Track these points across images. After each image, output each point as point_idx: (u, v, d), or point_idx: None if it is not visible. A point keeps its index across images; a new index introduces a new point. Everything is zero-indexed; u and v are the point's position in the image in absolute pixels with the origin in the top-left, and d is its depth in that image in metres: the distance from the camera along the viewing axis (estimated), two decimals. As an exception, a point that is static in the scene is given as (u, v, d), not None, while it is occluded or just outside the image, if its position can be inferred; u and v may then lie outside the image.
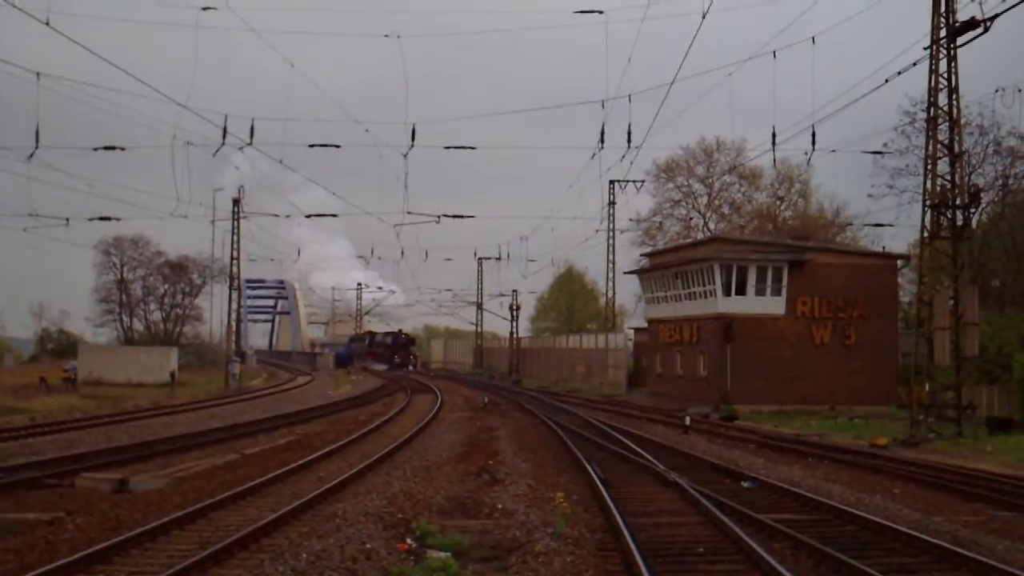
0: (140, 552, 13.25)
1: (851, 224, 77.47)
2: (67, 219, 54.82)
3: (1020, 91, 31.77)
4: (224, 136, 35.19)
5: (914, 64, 32.77)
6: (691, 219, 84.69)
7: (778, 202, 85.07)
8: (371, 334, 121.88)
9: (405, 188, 61.01)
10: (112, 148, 42.56)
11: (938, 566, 13.07)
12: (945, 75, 32.58)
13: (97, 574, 12.00)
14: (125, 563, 12.61)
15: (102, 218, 56.54)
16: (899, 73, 32.68)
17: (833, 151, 41.99)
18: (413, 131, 36.74)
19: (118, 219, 58.80)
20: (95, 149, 43.55)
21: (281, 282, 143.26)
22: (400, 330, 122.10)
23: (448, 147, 42.96)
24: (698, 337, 51.72)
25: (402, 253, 79.28)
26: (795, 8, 59.34)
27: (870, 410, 44.05)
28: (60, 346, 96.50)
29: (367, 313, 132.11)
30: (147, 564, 12.56)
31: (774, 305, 49.05)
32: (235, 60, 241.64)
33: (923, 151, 35.02)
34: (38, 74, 33.56)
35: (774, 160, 68.95)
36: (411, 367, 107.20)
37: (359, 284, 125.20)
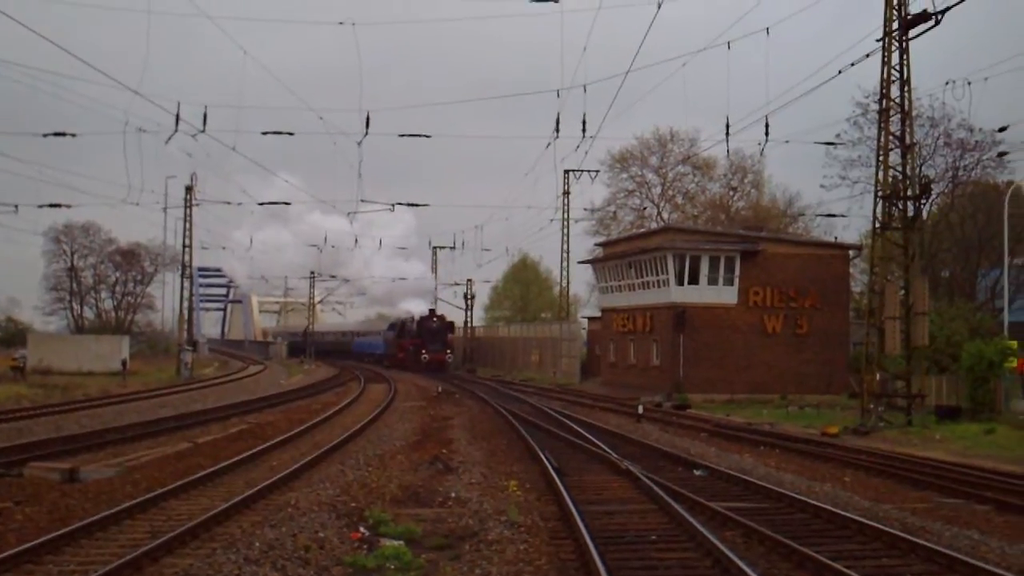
0: (91, 542, 13.10)
1: (803, 214, 78.08)
2: (16, 206, 54.39)
3: (970, 84, 32.15)
4: (177, 123, 34.80)
5: (867, 56, 33.10)
6: (645, 209, 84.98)
7: (731, 192, 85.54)
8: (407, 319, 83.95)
9: (359, 176, 60.87)
10: (62, 134, 41.92)
11: (887, 552, 13.23)
12: (897, 67, 32.93)
13: (47, 564, 11.84)
14: (76, 553, 12.47)
15: (52, 205, 55.97)
16: (852, 64, 32.95)
17: (786, 142, 42.10)
18: (367, 119, 36.52)
19: (68, 206, 58.35)
20: (44, 135, 42.94)
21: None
22: (432, 311, 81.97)
23: (403, 135, 42.82)
24: (651, 326, 51.95)
25: (356, 241, 77.96)
26: (749, -1, 59.63)
27: (821, 399, 44.45)
28: (8, 334, 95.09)
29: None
30: (98, 554, 12.42)
31: (726, 295, 49.38)
32: (188, 46, 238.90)
33: (875, 142, 35.36)
34: (-15, 58, 33.00)
35: (727, 150, 70.05)
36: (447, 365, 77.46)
37: (312, 272, 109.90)
